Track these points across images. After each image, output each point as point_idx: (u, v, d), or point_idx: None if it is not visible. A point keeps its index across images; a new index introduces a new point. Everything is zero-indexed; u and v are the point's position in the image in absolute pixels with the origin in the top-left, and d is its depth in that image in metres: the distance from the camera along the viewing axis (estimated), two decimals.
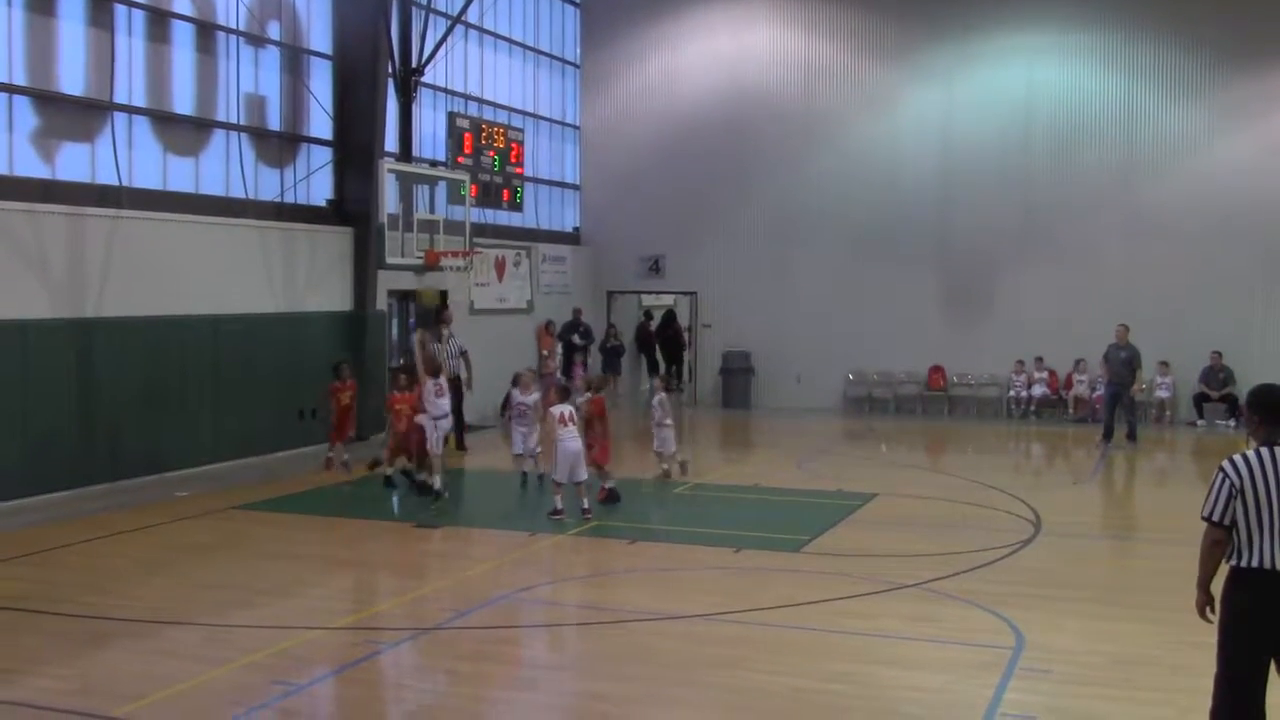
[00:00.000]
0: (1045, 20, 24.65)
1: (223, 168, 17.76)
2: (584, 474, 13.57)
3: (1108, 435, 20.33)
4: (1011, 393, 24.88)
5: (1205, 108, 23.98)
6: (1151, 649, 8.84)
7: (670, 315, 28.86)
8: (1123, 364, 20.25)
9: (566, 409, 13.71)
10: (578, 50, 27.80)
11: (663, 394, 16.55)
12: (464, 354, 18.16)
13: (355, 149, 19.57)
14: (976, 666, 8.38)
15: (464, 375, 17.84)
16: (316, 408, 17.54)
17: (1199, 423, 23.43)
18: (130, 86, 16.06)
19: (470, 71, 23.74)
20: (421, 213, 19.26)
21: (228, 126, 17.80)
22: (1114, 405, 20.45)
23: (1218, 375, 23.41)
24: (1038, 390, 24.65)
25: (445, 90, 22.67)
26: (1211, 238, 23.58)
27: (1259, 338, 23.24)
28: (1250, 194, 23.44)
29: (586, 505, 13.43)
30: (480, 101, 23.92)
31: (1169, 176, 24.13)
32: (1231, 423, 23.25)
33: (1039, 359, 24.63)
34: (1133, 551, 13.24)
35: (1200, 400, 23.55)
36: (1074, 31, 24.55)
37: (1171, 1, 23.88)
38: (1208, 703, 6.17)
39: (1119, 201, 24.26)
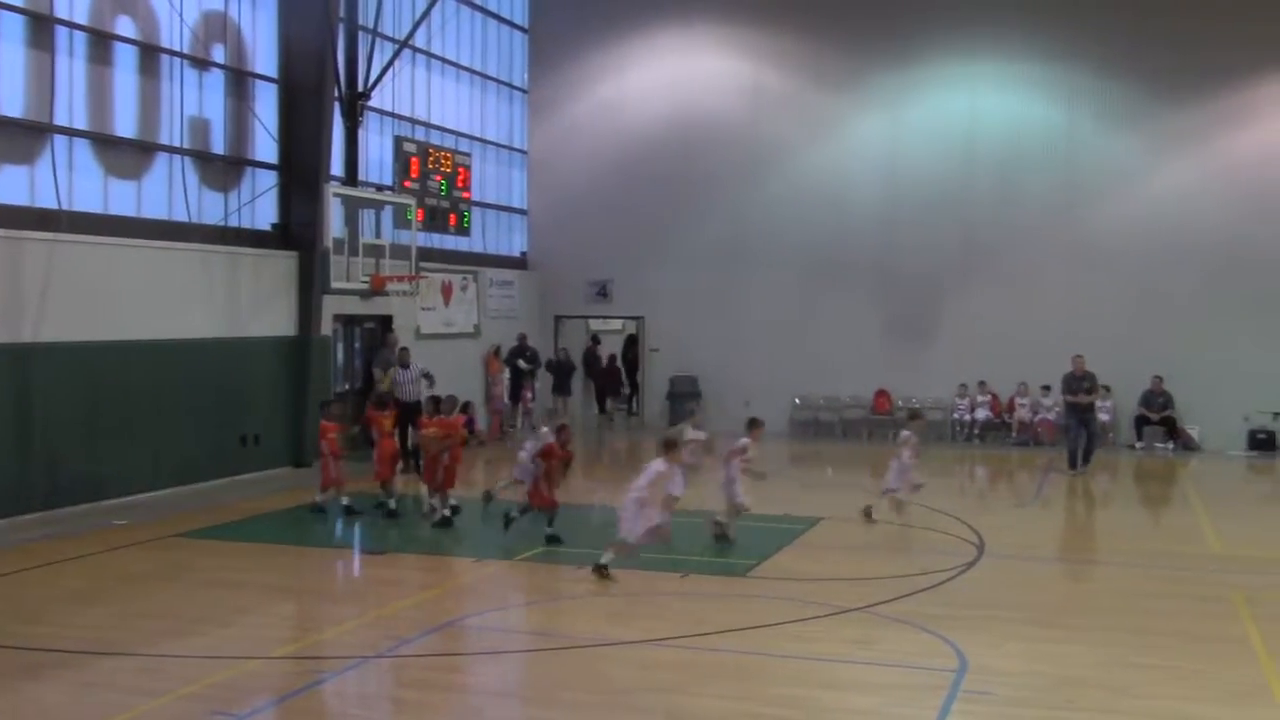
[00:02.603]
0: (988, 50, 25.03)
1: (165, 191, 17.57)
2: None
3: (1073, 463, 20.14)
4: (955, 416, 25.13)
5: (1144, 135, 24.44)
6: (1093, 670, 8.92)
7: (632, 339, 28.86)
8: (1085, 394, 20.06)
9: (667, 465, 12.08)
10: (525, 75, 27.84)
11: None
12: (427, 375, 18.80)
13: (300, 172, 19.45)
14: (920, 689, 8.41)
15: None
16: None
17: (1138, 445, 23.77)
18: (71, 108, 15.87)
19: (417, 96, 23.69)
20: (367, 237, 19.16)
21: (171, 149, 17.62)
22: (1079, 434, 20.19)
23: (1158, 398, 23.76)
24: (981, 414, 24.91)
25: (392, 114, 22.60)
26: (1152, 263, 24.00)
27: (1198, 361, 23.58)
28: (1190, 220, 23.91)
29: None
30: (427, 126, 23.86)
31: (1110, 203, 24.55)
32: (1170, 445, 23.61)
33: (981, 383, 24.90)
34: (1075, 574, 13.38)
35: (1140, 423, 23.89)
36: (1017, 61, 24.94)
37: (1111, 32, 24.33)
38: None
39: (1061, 227, 24.64)
